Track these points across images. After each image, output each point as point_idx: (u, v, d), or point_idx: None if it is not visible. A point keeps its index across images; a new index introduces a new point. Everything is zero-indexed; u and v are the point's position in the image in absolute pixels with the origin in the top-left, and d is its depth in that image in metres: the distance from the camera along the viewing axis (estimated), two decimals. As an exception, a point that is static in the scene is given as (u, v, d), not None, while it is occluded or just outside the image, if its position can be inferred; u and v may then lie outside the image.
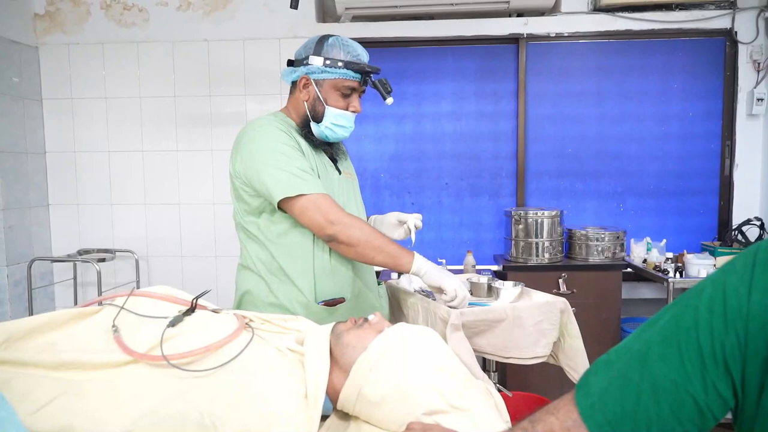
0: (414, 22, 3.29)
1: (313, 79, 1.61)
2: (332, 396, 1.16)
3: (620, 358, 0.75)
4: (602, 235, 3.06)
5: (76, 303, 3.33)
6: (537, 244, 3.02)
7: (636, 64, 3.33)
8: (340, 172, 1.74)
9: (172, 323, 1.18)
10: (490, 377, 1.79)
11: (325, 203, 1.52)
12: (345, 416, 1.18)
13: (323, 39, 1.62)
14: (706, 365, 0.66)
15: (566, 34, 3.28)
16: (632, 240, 3.16)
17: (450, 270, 2.73)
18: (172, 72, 3.30)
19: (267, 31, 3.26)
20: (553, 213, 3.02)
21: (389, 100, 1.67)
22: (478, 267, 3.04)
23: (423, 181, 3.46)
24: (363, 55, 1.64)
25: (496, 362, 1.78)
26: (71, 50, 3.30)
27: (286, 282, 1.60)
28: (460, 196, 3.46)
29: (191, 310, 1.27)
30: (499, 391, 1.57)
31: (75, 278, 3.33)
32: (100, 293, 2.99)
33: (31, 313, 3.07)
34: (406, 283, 1.86)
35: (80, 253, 3.28)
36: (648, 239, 3.10)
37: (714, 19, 3.18)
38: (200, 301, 1.32)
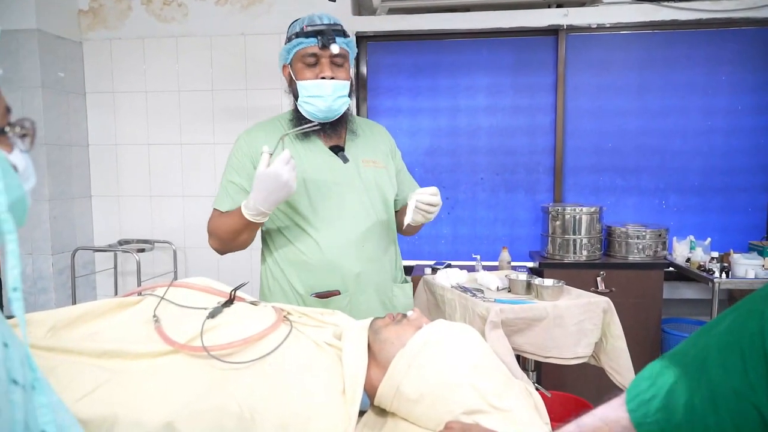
0: (450, 14, 3.24)
1: (288, 64, 1.61)
2: (370, 392, 1.15)
3: (676, 363, 0.71)
4: (643, 233, 2.97)
5: (116, 291, 3.41)
6: (575, 240, 2.95)
7: (681, 55, 3.21)
8: (346, 160, 1.63)
9: (212, 314, 1.19)
10: (528, 376, 1.76)
11: (210, 218, 1.63)
12: (382, 412, 1.17)
13: (291, 23, 1.63)
14: None
15: (608, 25, 3.18)
16: (675, 238, 3.05)
17: (485, 266, 2.71)
18: (209, 66, 3.33)
19: (303, 25, 3.25)
20: (592, 209, 2.95)
21: (333, 47, 1.53)
22: (513, 263, 2.99)
23: (458, 176, 3.42)
24: (319, 20, 1.57)
25: (535, 361, 1.74)
26: (113, 45, 3.37)
27: (281, 277, 1.63)
28: (496, 192, 3.41)
29: (230, 301, 1.27)
30: (538, 390, 1.54)
31: (116, 267, 3.41)
32: (139, 283, 3.05)
33: (74, 301, 3.16)
34: (443, 279, 1.84)
35: (120, 243, 3.36)
36: (691, 237, 3.00)
37: (765, 8, 3.03)
38: (238, 293, 1.33)
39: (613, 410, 0.75)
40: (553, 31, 3.23)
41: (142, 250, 3.17)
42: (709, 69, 3.19)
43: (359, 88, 3.37)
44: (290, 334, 1.17)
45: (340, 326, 1.25)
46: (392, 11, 3.30)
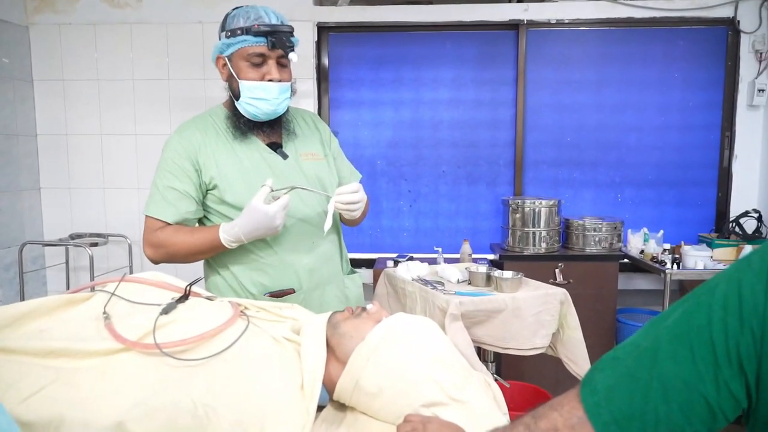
0: (413, 6, 3.24)
1: (225, 56, 1.51)
2: (329, 386, 1.13)
3: (628, 355, 0.72)
4: (599, 226, 3.05)
5: (68, 287, 3.29)
6: (534, 233, 3.00)
7: (637, 52, 3.29)
8: (286, 157, 1.59)
9: (165, 310, 1.16)
10: (487, 368, 1.78)
11: (152, 226, 1.52)
12: (342, 407, 1.16)
13: (230, 12, 1.54)
14: (719, 365, 0.64)
15: (567, 21, 3.23)
16: (629, 231, 3.14)
17: (446, 258, 2.73)
18: (165, 55, 3.23)
19: (263, 14, 3.19)
20: (551, 202, 3.00)
21: (292, 56, 1.49)
22: (474, 256, 3.02)
23: (420, 169, 3.43)
24: (267, 17, 1.48)
25: (494, 353, 1.77)
26: (62, 31, 3.23)
27: (230, 278, 1.57)
28: (458, 184, 3.43)
29: (185, 297, 1.24)
30: (497, 381, 1.56)
31: (67, 262, 3.29)
32: (92, 278, 2.95)
33: (22, 298, 3.03)
34: (404, 271, 1.84)
35: (72, 237, 3.24)
36: (645, 230, 3.09)
37: (716, 8, 3.14)
38: (194, 288, 1.29)
39: (568, 401, 0.76)
40: (514, 26, 3.27)
41: (95, 244, 3.07)
42: (663, 66, 3.29)
43: (320, 79, 3.33)
44: (247, 330, 1.14)
45: (298, 320, 1.23)
46: (354, 2, 3.27)
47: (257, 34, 1.45)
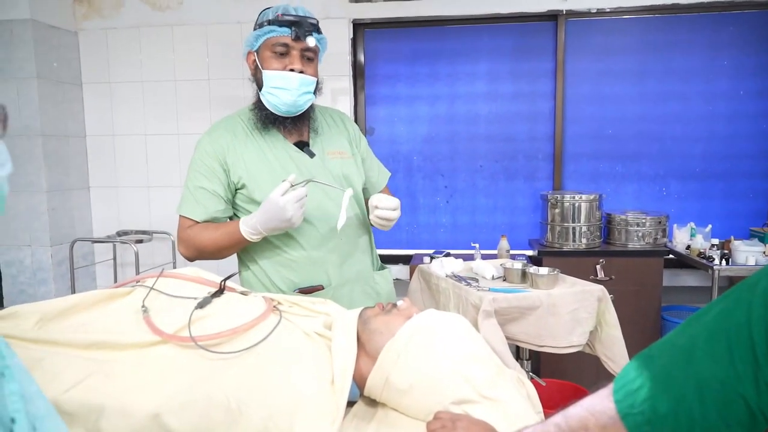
0: (448, 0, 3.20)
1: (254, 51, 1.56)
2: (359, 382, 1.14)
3: (663, 353, 0.70)
4: (643, 220, 2.95)
5: (116, 282, 3.41)
6: (574, 228, 2.93)
7: (682, 40, 3.16)
8: (313, 155, 1.61)
9: (201, 305, 1.18)
10: (523, 365, 1.75)
11: (184, 226, 1.57)
12: (373, 403, 1.16)
13: (262, 10, 1.58)
14: (760, 364, 0.61)
15: (608, 10, 3.14)
16: (675, 225, 3.03)
17: (484, 254, 2.69)
18: (206, 55, 3.31)
19: (299, 12, 3.22)
20: (591, 197, 2.93)
21: (309, 40, 1.50)
22: (512, 252, 2.98)
23: (456, 164, 3.40)
24: (294, 10, 1.52)
25: (531, 350, 1.73)
26: (109, 35, 3.34)
27: (261, 274, 1.60)
28: (495, 179, 3.39)
29: (220, 291, 1.27)
30: (532, 379, 1.53)
31: (114, 258, 3.41)
32: (138, 273, 3.06)
33: (73, 292, 3.16)
34: (438, 267, 1.82)
35: (119, 234, 3.36)
36: (692, 224, 2.97)
37: (768, -9, 2.99)
38: (229, 283, 1.32)
39: (600, 400, 0.74)
40: (553, 17, 3.19)
41: (141, 241, 3.17)
42: (710, 53, 3.15)
43: (356, 76, 3.34)
44: (279, 324, 1.16)
45: (330, 315, 1.24)
46: (389, -3, 3.26)
47: (281, 24, 1.49)
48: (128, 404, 1.00)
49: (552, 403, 1.86)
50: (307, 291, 1.55)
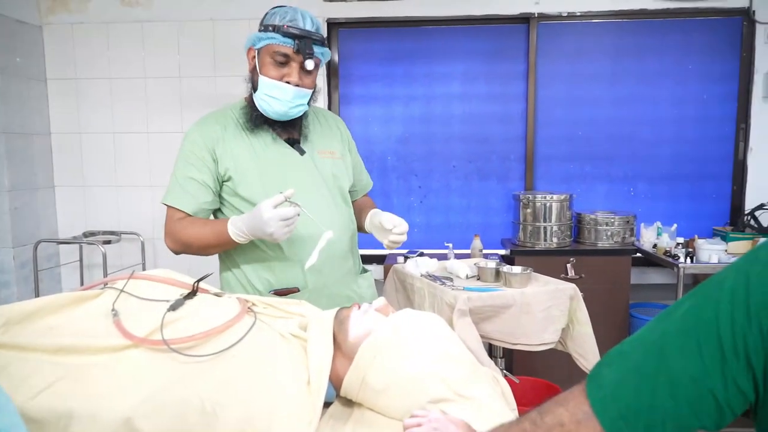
0: (423, 0, 3.21)
1: (255, 49, 1.54)
2: (336, 383, 1.14)
3: (635, 349, 0.72)
4: (612, 220, 3.02)
5: (82, 285, 3.33)
6: (545, 228, 2.98)
7: (650, 44, 3.24)
8: (303, 152, 1.60)
9: (173, 307, 1.16)
10: (497, 363, 1.77)
11: (172, 216, 1.54)
12: (349, 403, 1.16)
13: (273, 8, 1.55)
14: (727, 359, 0.63)
15: (579, 14, 3.20)
16: (642, 225, 3.11)
17: (457, 254, 2.71)
18: (177, 52, 3.25)
19: (273, 11, 3.20)
20: (562, 197, 2.98)
21: (307, 63, 1.48)
22: (485, 251, 3.00)
23: (431, 164, 3.42)
24: (302, 22, 1.48)
25: (504, 348, 1.76)
26: (75, 30, 3.26)
27: (240, 274, 1.59)
28: (469, 180, 3.41)
29: (193, 293, 1.25)
30: (506, 377, 1.55)
31: (81, 260, 3.32)
32: (106, 275, 2.99)
33: (37, 295, 3.07)
34: (413, 267, 1.83)
35: (86, 235, 3.27)
36: (658, 224, 3.05)
37: (731, -2, 3.09)
38: (202, 285, 1.30)
39: (574, 396, 0.75)
40: (525, 19, 3.23)
41: (109, 242, 3.10)
42: (677, 58, 3.24)
43: (330, 75, 3.33)
44: (254, 326, 1.15)
45: (305, 316, 1.23)
46: (364, -3, 3.26)
47: (286, 34, 1.46)
48: (99, 409, 0.98)
49: (526, 401, 1.88)
50: (281, 293, 1.53)
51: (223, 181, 1.56)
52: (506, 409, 1.10)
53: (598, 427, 0.70)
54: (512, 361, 2.88)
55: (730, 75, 3.22)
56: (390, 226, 1.56)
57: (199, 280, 1.29)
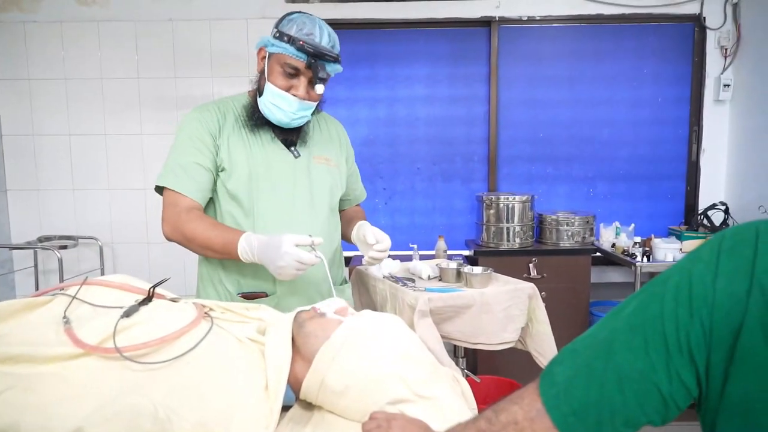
0: (385, 3, 3.23)
1: (267, 51, 1.49)
2: (295, 386, 1.13)
3: (585, 347, 0.73)
4: (572, 220, 3.08)
5: (37, 291, 3.22)
6: (508, 228, 3.02)
7: (608, 48, 3.33)
8: (298, 155, 1.58)
9: (127, 313, 1.13)
10: (459, 363, 1.78)
11: (175, 201, 1.47)
12: (309, 406, 1.15)
13: (291, 13, 1.50)
14: (671, 354, 0.65)
15: (538, 18, 3.26)
16: (602, 224, 3.18)
17: (422, 255, 2.73)
18: (135, 53, 3.18)
19: (234, 11, 3.17)
20: (524, 198, 3.03)
21: (317, 87, 1.46)
22: (449, 252, 3.03)
23: (396, 166, 3.43)
24: (319, 37, 1.44)
25: (466, 348, 1.77)
26: (27, 28, 3.16)
27: (212, 270, 1.56)
28: (433, 181, 3.44)
29: (148, 299, 1.22)
30: (467, 377, 1.57)
31: (36, 266, 3.22)
32: (62, 281, 2.89)
33: (-11, 303, 2.95)
34: (375, 269, 1.83)
35: (41, 240, 3.17)
36: (617, 224, 3.13)
37: (683, 4, 3.20)
38: (159, 290, 1.27)
39: (528, 394, 0.76)
40: (486, 23, 3.28)
41: (65, 247, 3.01)
42: (633, 62, 3.33)
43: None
44: (210, 331, 1.13)
45: (264, 321, 1.22)
46: (326, -1, 3.25)
47: (300, 49, 1.42)
48: (48, 420, 0.95)
49: (488, 399, 1.91)
50: (249, 296, 1.50)
51: (218, 171, 1.52)
52: (465, 408, 1.11)
53: (551, 423, 0.71)
54: (476, 361, 2.91)
55: (683, 79, 3.33)
56: (372, 241, 1.55)
57: (154, 286, 1.26)
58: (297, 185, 1.55)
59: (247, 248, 1.38)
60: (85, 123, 3.22)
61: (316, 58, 1.43)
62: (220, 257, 1.48)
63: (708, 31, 3.22)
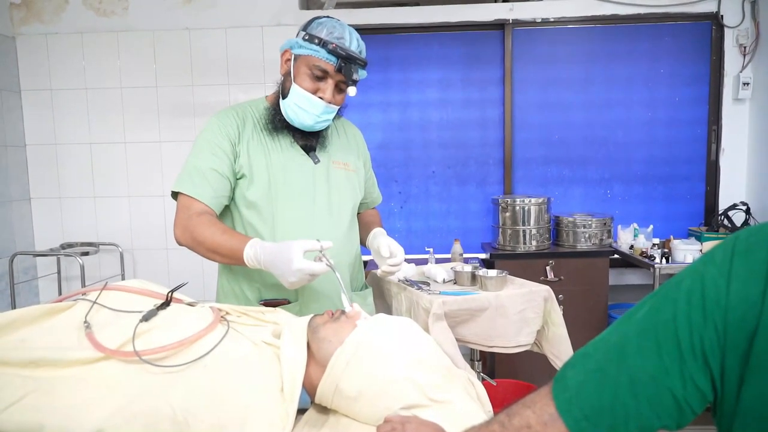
0: (399, 8, 3.25)
1: (293, 54, 1.49)
2: (310, 390, 1.14)
3: (598, 350, 0.73)
4: (589, 222, 3.06)
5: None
6: (524, 231, 3.00)
7: (623, 49, 3.30)
8: (317, 161, 1.58)
9: (146, 318, 1.16)
10: (475, 366, 1.78)
11: (188, 206, 1.46)
12: (324, 410, 1.16)
13: (319, 17, 1.52)
14: (685, 359, 0.64)
15: (552, 20, 3.24)
16: (619, 226, 3.15)
17: (438, 259, 2.73)
18: (153, 62, 3.24)
19: (250, 19, 3.21)
20: (540, 200, 3.01)
21: (350, 90, 1.48)
22: (465, 255, 3.02)
23: (410, 170, 3.44)
24: (349, 41, 1.46)
25: (481, 351, 1.77)
26: (49, 40, 3.23)
27: (233, 280, 1.56)
28: (448, 185, 3.44)
29: (166, 303, 1.24)
30: (483, 380, 1.56)
31: (59, 272, 3.28)
32: (84, 287, 2.94)
33: (13, 308, 3.02)
34: (390, 273, 1.83)
35: (63, 247, 3.24)
36: (635, 225, 3.10)
37: (700, 3, 3.16)
38: (177, 295, 1.29)
39: (541, 398, 0.76)
40: (500, 26, 3.27)
41: (87, 254, 3.06)
42: (649, 62, 3.30)
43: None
44: (227, 335, 1.14)
45: (279, 324, 1.23)
46: (340, 5, 3.28)
47: (331, 52, 1.43)
48: (69, 421, 0.97)
49: (506, 402, 1.89)
50: (271, 304, 1.48)
51: (237, 178, 1.52)
52: (480, 411, 1.11)
53: (564, 428, 0.71)
54: (494, 364, 2.90)
55: (701, 78, 3.29)
56: (386, 254, 1.55)
57: (172, 291, 1.28)
58: (317, 192, 1.55)
59: (252, 256, 1.37)
60: (106, 131, 3.28)
61: (347, 61, 1.44)
62: (228, 262, 1.48)
63: (726, 29, 3.17)
